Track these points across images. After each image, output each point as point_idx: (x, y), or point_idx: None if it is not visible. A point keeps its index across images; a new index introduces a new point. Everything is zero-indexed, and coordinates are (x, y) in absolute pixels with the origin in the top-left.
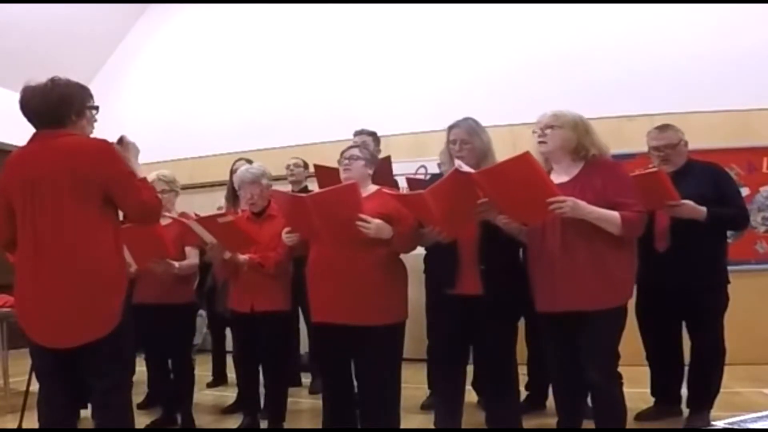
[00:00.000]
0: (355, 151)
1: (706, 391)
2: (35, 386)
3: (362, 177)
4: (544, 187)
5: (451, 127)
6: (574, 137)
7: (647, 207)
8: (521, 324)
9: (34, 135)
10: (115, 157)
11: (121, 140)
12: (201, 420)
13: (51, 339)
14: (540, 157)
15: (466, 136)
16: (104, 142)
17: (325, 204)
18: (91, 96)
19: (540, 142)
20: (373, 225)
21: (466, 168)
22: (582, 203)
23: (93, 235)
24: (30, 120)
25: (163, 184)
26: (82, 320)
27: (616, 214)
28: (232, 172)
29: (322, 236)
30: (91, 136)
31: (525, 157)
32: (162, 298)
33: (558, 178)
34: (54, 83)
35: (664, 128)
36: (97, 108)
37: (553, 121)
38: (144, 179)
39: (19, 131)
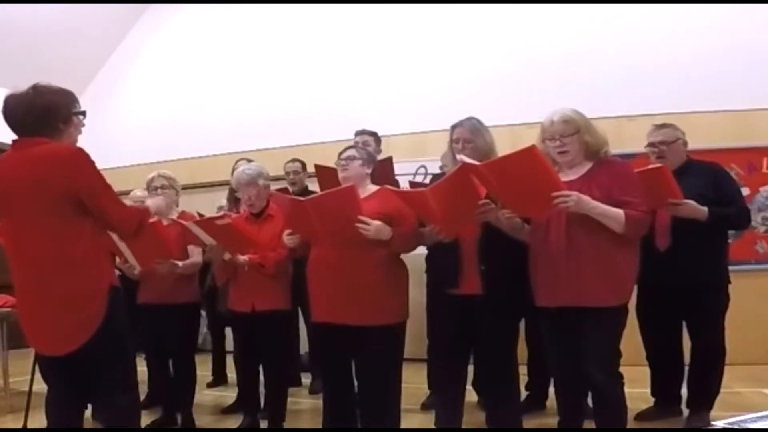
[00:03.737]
0: (352, 152)
1: (706, 391)
2: (38, 386)
3: (359, 177)
4: (550, 180)
5: (454, 126)
6: (592, 139)
7: (649, 205)
8: (522, 324)
9: (13, 143)
10: (84, 164)
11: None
12: (201, 420)
13: (36, 345)
14: (548, 159)
15: (469, 135)
16: (72, 149)
17: (324, 207)
18: (76, 101)
19: (561, 152)
20: (373, 226)
21: (469, 160)
22: (586, 198)
23: (64, 246)
24: (14, 130)
25: (163, 181)
26: (57, 331)
27: (620, 211)
28: (233, 172)
29: (323, 238)
30: (79, 140)
31: (531, 150)
32: (166, 297)
33: (566, 176)
34: (37, 91)
35: (662, 126)
36: (83, 113)
37: (567, 128)
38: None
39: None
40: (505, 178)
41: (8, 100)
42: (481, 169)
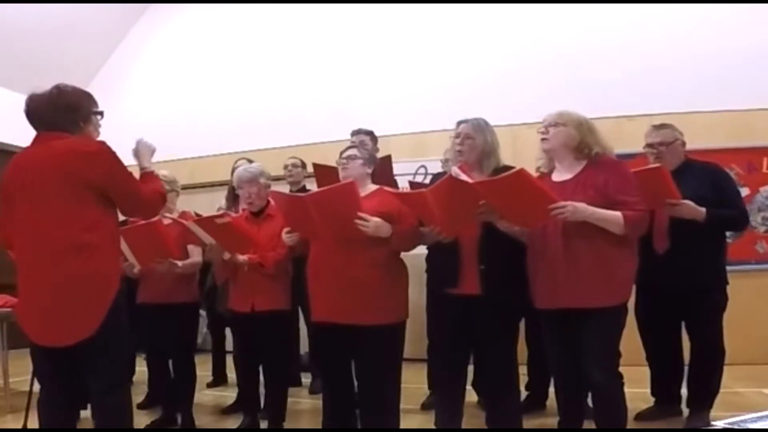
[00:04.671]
0: (353, 151)
1: (705, 391)
2: (38, 386)
3: (361, 176)
4: (543, 197)
5: (459, 122)
6: (577, 135)
7: (647, 205)
8: (521, 324)
9: (36, 136)
10: (108, 158)
11: (137, 145)
12: (201, 420)
13: (37, 335)
14: (543, 155)
15: (471, 131)
16: (99, 144)
17: (324, 203)
18: (95, 102)
19: (542, 140)
20: (372, 223)
21: (463, 177)
22: (582, 206)
23: (82, 239)
24: (36, 127)
25: (164, 185)
26: (63, 322)
27: (618, 213)
28: (233, 171)
29: (322, 235)
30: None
31: (520, 173)
32: (165, 297)
33: (560, 176)
34: (60, 91)
35: (660, 126)
36: (101, 113)
37: (556, 119)
38: (148, 173)
39: (19, 131)
40: (500, 195)
41: (32, 99)
42: (474, 187)
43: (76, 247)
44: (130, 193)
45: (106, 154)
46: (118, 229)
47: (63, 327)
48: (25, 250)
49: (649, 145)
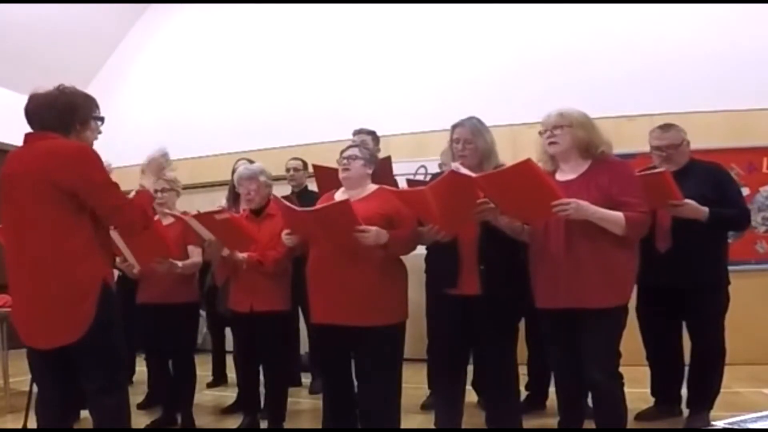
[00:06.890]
0: (354, 151)
1: (706, 392)
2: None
3: (361, 177)
4: (547, 191)
5: (454, 126)
6: (585, 135)
7: (649, 206)
8: (521, 324)
9: (25, 137)
10: (87, 161)
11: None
12: (201, 420)
13: (27, 338)
14: (545, 156)
15: (470, 136)
16: (79, 146)
17: (321, 218)
18: (97, 106)
19: (551, 143)
20: (371, 233)
21: (464, 171)
22: (585, 204)
23: (61, 241)
24: (33, 127)
25: (164, 183)
26: (51, 324)
27: (620, 214)
28: (234, 172)
29: (321, 241)
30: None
31: (527, 163)
32: (165, 297)
33: (564, 176)
34: (60, 91)
35: (667, 128)
36: (102, 119)
37: (561, 120)
38: (143, 191)
39: (19, 131)
40: (503, 189)
41: (33, 98)
42: (477, 180)
43: (54, 254)
44: (107, 200)
45: (84, 156)
46: (101, 234)
47: (45, 331)
48: (10, 253)
49: (656, 148)
